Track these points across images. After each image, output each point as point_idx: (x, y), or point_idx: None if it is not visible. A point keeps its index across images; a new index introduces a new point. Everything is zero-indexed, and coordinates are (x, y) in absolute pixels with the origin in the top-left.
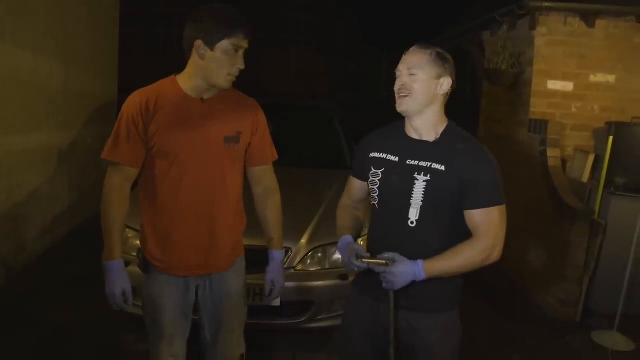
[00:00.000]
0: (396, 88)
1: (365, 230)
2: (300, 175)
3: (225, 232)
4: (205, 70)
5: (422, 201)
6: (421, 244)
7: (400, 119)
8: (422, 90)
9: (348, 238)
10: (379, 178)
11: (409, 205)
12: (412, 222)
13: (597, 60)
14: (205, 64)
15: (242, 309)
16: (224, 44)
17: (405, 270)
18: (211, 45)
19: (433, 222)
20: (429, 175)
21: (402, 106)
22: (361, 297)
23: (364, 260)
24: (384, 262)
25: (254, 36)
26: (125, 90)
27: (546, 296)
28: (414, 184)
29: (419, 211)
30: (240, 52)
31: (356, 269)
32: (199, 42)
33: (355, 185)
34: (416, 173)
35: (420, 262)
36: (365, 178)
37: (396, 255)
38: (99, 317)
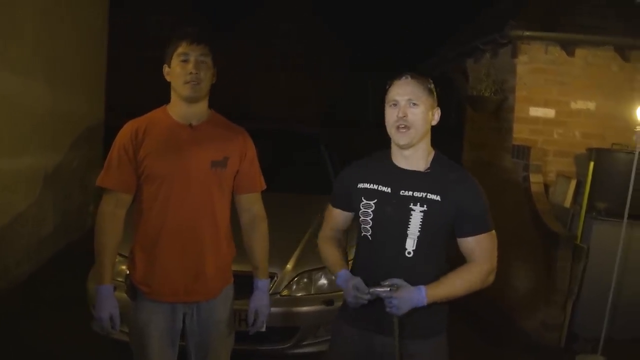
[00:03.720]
0: (395, 119)
1: (349, 256)
2: (285, 200)
3: (212, 257)
4: (173, 87)
5: (419, 231)
6: (418, 273)
7: (385, 146)
8: (422, 122)
9: (346, 273)
10: (372, 209)
11: (406, 236)
12: (409, 253)
13: (578, 88)
14: (171, 82)
15: (228, 337)
16: (174, 56)
17: (409, 297)
18: (169, 63)
19: (429, 251)
20: (425, 206)
21: (404, 140)
22: (350, 327)
23: (370, 291)
24: (388, 288)
25: (204, 40)
26: (114, 113)
27: (530, 321)
28: (410, 214)
29: (415, 241)
30: (192, 59)
31: (364, 302)
32: (165, 67)
33: (339, 217)
34: (411, 204)
35: (422, 288)
36: (350, 209)
37: (399, 281)
38: (83, 341)
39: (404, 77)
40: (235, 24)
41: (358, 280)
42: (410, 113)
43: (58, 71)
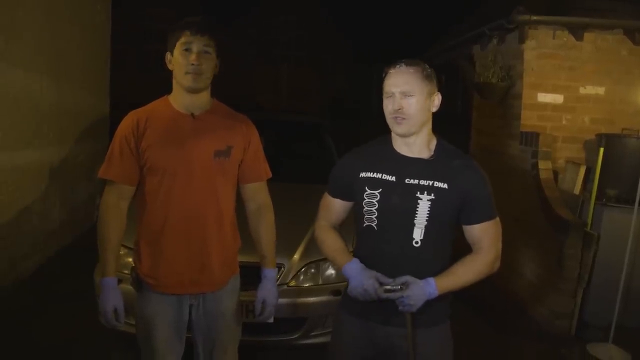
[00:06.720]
0: (391, 110)
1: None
2: (291, 191)
3: (218, 248)
4: (174, 76)
5: (426, 220)
6: (426, 263)
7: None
8: (419, 111)
9: (358, 262)
10: (377, 199)
11: (413, 225)
12: (416, 242)
13: (586, 73)
14: (173, 71)
15: (235, 329)
16: (177, 45)
17: (421, 292)
18: (171, 52)
19: (436, 239)
20: (433, 194)
21: (401, 129)
22: (352, 318)
23: (384, 291)
24: (399, 287)
25: (207, 30)
26: (119, 107)
27: (540, 309)
28: (418, 203)
29: (423, 230)
30: (194, 49)
31: (376, 298)
32: (167, 55)
33: (338, 206)
34: (418, 192)
35: (431, 280)
36: (350, 198)
37: (409, 278)
38: (89, 334)
39: (398, 66)
40: (236, 17)
41: (379, 274)
42: (405, 105)
43: (62, 66)
